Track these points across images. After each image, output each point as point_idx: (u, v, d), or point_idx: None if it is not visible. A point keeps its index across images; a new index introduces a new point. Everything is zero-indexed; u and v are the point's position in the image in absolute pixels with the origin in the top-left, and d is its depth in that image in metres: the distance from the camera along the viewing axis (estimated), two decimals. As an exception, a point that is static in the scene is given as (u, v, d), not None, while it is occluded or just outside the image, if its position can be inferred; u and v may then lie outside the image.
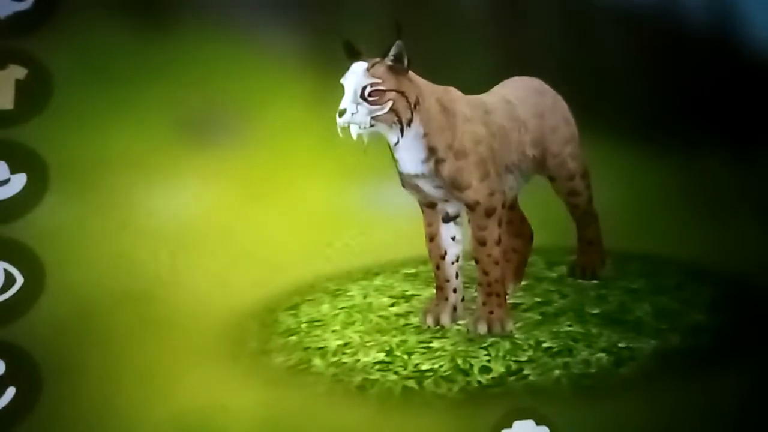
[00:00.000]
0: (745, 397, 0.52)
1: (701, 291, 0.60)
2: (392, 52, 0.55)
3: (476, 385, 0.53)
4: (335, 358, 0.55)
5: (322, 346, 0.56)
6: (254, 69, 0.67)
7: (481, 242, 0.56)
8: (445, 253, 0.57)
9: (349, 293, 0.60)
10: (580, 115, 0.61)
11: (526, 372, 0.54)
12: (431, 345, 0.56)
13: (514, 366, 0.54)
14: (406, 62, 0.55)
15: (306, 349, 0.56)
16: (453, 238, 0.57)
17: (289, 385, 0.54)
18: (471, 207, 0.56)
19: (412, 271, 0.62)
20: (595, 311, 0.59)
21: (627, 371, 0.54)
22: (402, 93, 0.55)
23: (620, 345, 0.56)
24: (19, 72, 0.64)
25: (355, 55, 0.55)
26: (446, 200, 0.57)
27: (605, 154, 0.64)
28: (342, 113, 0.54)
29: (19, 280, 0.56)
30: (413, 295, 0.60)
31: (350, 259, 0.61)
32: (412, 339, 0.57)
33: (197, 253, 0.59)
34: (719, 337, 0.56)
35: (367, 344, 0.56)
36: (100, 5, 0.68)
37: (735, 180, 0.63)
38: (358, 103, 0.54)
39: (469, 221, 0.57)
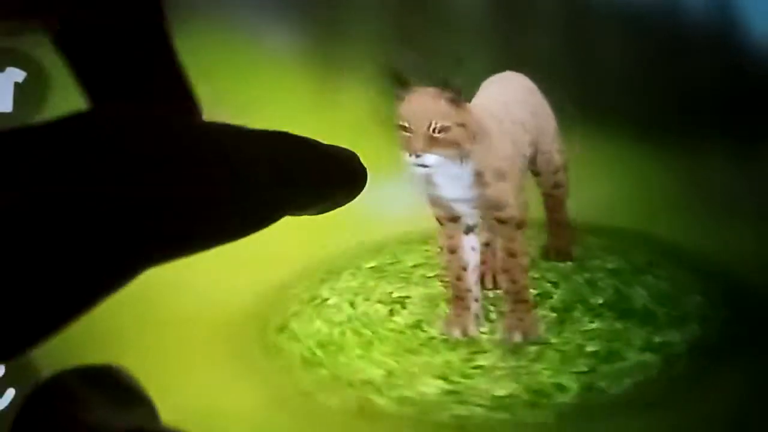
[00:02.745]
0: (745, 397, 0.52)
1: (701, 290, 0.60)
2: (453, 84, 0.51)
3: (564, 405, 0.51)
4: (334, 360, 0.55)
5: (321, 347, 0.56)
6: (254, 68, 0.67)
7: (511, 253, 0.55)
8: (467, 264, 0.56)
9: (348, 294, 0.60)
10: (581, 114, 0.61)
11: (600, 384, 0.52)
12: (480, 363, 0.54)
13: (584, 379, 0.52)
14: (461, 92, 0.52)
15: (305, 350, 0.56)
16: (472, 248, 0.56)
17: (289, 386, 0.54)
18: (504, 221, 0.54)
19: (405, 275, 0.62)
20: (600, 301, 0.58)
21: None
22: (464, 125, 0.51)
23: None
24: (17, 74, 0.64)
25: (404, 85, 0.51)
26: (469, 214, 0.55)
27: (606, 154, 0.64)
28: (414, 154, 0.50)
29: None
30: (406, 297, 0.60)
31: (350, 259, 0.62)
32: (453, 356, 0.54)
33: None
34: (719, 337, 0.56)
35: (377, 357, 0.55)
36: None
37: (735, 179, 0.63)
38: (428, 143, 0.50)
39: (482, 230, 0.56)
